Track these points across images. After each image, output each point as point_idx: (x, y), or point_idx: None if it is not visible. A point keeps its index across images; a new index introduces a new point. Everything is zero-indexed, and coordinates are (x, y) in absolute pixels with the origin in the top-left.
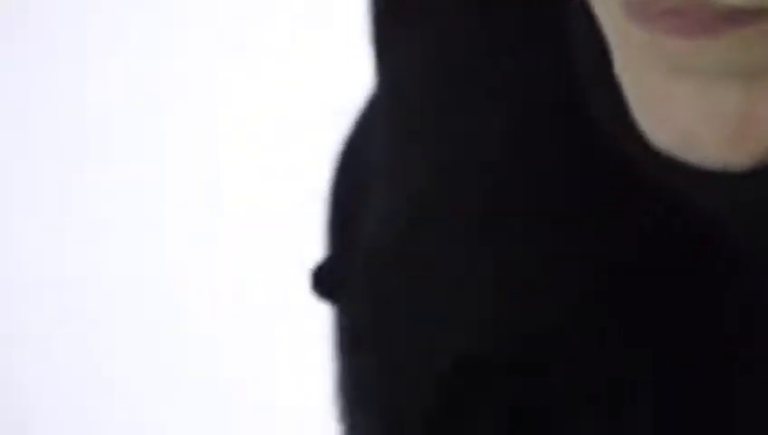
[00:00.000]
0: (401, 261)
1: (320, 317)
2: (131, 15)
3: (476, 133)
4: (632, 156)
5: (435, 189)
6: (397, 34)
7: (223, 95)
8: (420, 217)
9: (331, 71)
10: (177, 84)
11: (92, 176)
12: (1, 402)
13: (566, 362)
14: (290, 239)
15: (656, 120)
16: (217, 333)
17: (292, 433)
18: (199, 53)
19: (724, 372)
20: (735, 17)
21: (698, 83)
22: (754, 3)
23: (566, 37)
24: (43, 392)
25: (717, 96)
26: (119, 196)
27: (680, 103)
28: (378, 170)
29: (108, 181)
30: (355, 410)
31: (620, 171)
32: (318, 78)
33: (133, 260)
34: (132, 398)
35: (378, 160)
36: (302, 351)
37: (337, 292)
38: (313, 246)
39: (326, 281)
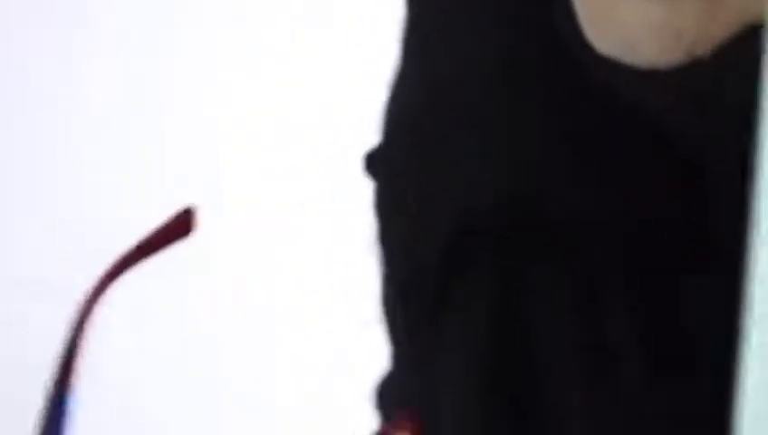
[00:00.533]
0: (415, 143)
1: (319, 317)
2: (131, 15)
3: (479, 48)
4: (585, 62)
5: (443, 88)
6: None
7: (223, 95)
8: (429, 112)
9: (331, 71)
10: (177, 84)
11: (92, 176)
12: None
13: (545, 228)
14: (290, 239)
15: (600, 30)
16: (217, 333)
17: (292, 433)
18: (199, 53)
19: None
20: None
21: (635, 1)
22: None
23: None
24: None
25: (649, 11)
26: (118, 195)
27: (621, 17)
28: (403, 67)
29: (107, 181)
30: (387, 261)
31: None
32: (318, 78)
33: None
34: (132, 398)
35: (407, 55)
36: (302, 351)
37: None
38: (313, 247)
39: (375, 164)
